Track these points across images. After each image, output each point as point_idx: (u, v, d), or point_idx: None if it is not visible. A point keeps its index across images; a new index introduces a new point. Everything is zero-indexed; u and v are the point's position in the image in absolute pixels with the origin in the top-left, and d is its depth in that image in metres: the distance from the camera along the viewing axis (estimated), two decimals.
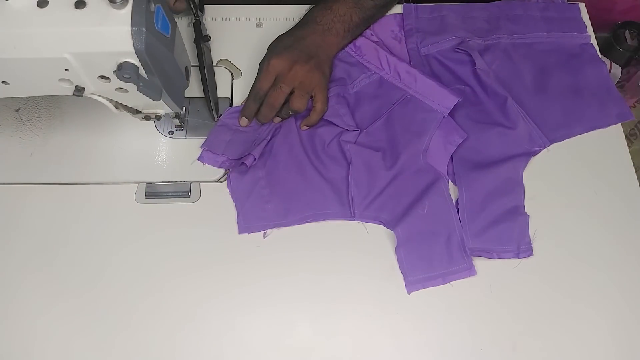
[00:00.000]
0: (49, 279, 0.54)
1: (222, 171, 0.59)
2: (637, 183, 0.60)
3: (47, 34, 0.41)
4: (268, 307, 0.53)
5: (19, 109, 0.61)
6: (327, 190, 0.58)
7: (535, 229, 0.57)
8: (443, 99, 0.61)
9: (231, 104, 0.63)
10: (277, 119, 0.61)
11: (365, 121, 0.62)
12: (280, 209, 0.57)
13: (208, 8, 0.68)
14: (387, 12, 0.69)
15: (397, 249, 0.55)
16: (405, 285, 0.54)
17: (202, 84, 0.59)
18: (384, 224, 0.57)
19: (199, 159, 0.59)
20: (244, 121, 0.60)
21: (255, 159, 0.58)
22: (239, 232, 0.56)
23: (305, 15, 0.64)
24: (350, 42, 0.65)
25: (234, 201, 0.57)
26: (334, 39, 0.62)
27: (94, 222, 0.57)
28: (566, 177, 0.60)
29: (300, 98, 0.59)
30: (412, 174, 0.59)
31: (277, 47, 0.60)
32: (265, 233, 0.56)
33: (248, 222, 0.56)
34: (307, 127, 0.61)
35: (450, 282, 0.54)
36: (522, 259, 0.56)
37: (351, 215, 0.57)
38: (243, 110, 0.60)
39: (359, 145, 0.59)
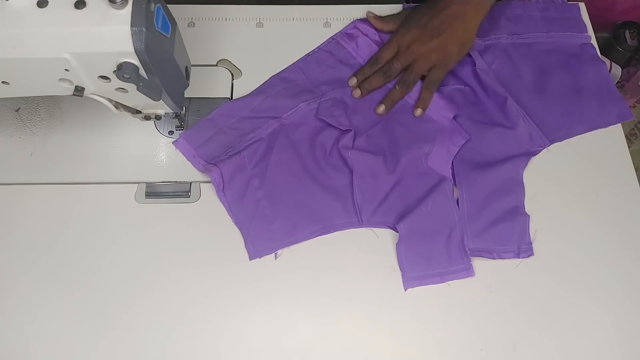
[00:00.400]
0: (49, 279, 0.54)
1: None
2: (637, 183, 0.60)
3: (47, 34, 0.41)
4: (268, 307, 0.53)
5: (18, 109, 0.61)
6: (331, 200, 0.58)
7: (536, 228, 0.57)
8: (442, 110, 0.61)
9: None
10: (382, 108, 0.61)
11: (364, 124, 0.62)
12: (287, 227, 0.56)
13: (209, 8, 0.68)
14: None
15: (398, 245, 0.55)
16: (403, 282, 0.54)
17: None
18: (391, 228, 0.57)
19: (174, 142, 0.59)
20: (352, 80, 0.63)
21: (221, 174, 0.56)
22: (250, 259, 0.55)
23: None
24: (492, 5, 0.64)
25: (239, 228, 0.56)
26: (478, 5, 0.61)
27: (94, 222, 0.56)
28: (566, 177, 0.60)
29: (409, 74, 0.61)
30: (416, 178, 0.59)
31: (412, 21, 0.63)
32: (276, 254, 0.56)
33: (257, 246, 0.55)
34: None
35: (448, 282, 0.54)
36: (522, 259, 0.56)
37: (359, 223, 0.57)
38: (357, 71, 0.63)
39: (359, 150, 0.59)
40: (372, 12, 0.66)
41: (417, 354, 0.52)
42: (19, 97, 0.57)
